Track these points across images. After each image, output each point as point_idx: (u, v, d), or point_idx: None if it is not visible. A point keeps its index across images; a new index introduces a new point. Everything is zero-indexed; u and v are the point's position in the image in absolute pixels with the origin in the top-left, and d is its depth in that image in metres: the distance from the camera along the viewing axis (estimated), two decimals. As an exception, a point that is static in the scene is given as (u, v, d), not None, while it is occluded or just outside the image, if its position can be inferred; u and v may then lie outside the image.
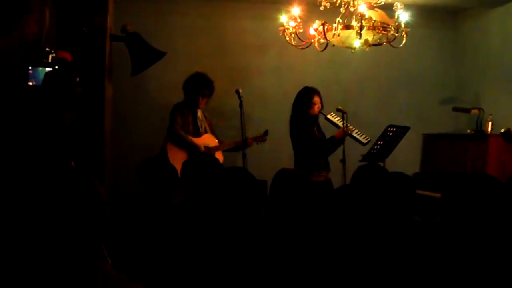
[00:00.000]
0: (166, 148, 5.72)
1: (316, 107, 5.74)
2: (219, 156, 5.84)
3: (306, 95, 5.76)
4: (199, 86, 5.87)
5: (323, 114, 5.78)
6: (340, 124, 5.66)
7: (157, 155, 5.55)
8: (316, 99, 5.74)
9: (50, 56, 3.61)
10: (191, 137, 5.77)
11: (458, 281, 2.16)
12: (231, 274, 2.60)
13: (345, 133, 5.58)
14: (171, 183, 3.43)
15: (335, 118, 5.75)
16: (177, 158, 5.31)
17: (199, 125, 5.93)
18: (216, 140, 5.99)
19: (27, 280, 1.57)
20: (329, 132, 5.85)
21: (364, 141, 5.68)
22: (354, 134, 5.68)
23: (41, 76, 3.32)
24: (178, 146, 5.71)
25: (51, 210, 1.63)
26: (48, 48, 3.65)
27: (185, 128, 5.80)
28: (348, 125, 5.64)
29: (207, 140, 5.91)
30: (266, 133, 6.04)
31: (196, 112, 5.93)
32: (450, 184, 2.50)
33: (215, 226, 2.81)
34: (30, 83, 3.28)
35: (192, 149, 5.71)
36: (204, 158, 3.64)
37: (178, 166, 3.56)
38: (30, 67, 3.30)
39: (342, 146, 5.57)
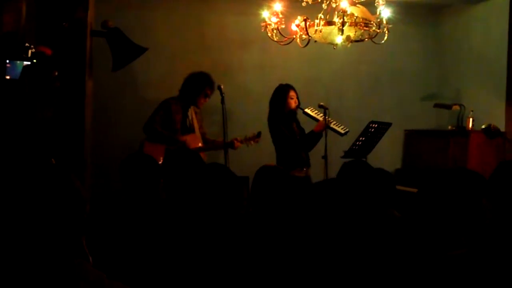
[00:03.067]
0: (143, 146, 5.65)
1: (293, 102, 5.75)
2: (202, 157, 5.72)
3: (282, 91, 5.79)
4: (205, 86, 5.81)
5: (301, 108, 5.78)
6: (319, 117, 5.68)
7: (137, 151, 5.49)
8: (292, 93, 5.76)
9: (29, 51, 3.57)
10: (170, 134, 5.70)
11: (436, 276, 2.17)
12: (215, 270, 2.59)
13: (325, 126, 5.57)
14: (155, 178, 3.41)
15: (313, 111, 5.76)
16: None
17: (187, 124, 5.85)
18: (200, 140, 5.91)
19: (3, 278, 1.54)
20: (308, 128, 5.86)
21: (342, 132, 5.66)
22: (332, 125, 5.68)
23: (19, 70, 3.27)
24: (155, 142, 5.63)
25: (28, 207, 1.60)
26: (28, 43, 3.61)
27: (171, 126, 5.72)
28: (327, 117, 5.63)
29: (190, 140, 5.80)
30: (259, 134, 5.90)
31: (187, 110, 5.88)
32: (428, 179, 2.52)
33: (196, 223, 2.80)
34: (8, 77, 3.23)
35: (173, 142, 5.66)
36: (185, 154, 3.62)
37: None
38: (7, 61, 3.26)
39: (324, 142, 5.56)
